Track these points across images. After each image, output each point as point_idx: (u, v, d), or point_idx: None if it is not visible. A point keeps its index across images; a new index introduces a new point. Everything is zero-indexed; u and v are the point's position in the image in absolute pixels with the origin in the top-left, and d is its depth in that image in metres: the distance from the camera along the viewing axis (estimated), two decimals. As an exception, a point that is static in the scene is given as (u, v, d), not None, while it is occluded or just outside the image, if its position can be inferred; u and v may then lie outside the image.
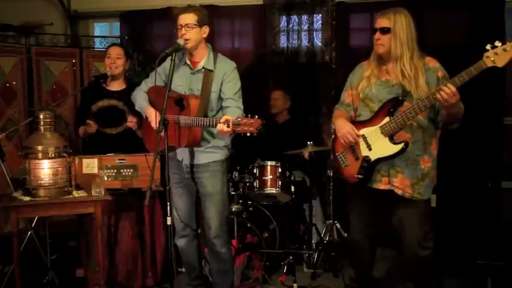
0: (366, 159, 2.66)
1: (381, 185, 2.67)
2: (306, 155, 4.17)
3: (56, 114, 3.20)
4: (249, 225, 3.80)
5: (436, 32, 4.38)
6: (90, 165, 3.27)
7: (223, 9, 4.87)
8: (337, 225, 4.07)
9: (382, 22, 2.59)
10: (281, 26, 4.85)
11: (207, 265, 3.42)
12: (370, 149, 2.65)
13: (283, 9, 4.81)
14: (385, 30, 2.57)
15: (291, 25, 4.82)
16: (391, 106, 2.59)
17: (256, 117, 2.42)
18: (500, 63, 2.25)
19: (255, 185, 3.91)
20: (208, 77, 2.83)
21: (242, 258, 3.68)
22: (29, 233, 3.53)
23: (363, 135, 2.67)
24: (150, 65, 4.16)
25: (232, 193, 3.84)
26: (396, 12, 2.58)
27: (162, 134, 2.54)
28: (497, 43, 2.25)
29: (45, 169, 2.86)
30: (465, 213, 4.31)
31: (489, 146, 4.35)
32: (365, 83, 2.72)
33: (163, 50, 2.68)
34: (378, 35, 2.60)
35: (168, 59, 2.75)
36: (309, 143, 3.96)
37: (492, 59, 2.25)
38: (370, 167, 2.65)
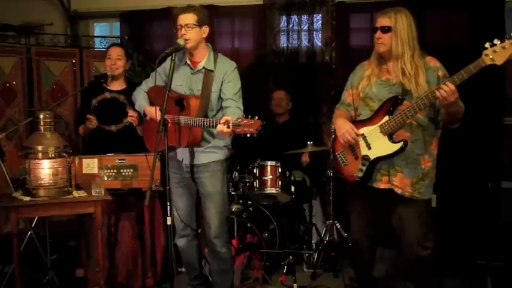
0: (366, 158, 2.66)
1: (381, 184, 2.67)
2: (304, 159, 4.17)
3: (56, 114, 3.20)
4: (249, 225, 3.80)
5: (436, 32, 4.38)
6: (90, 165, 3.27)
7: (223, 9, 4.87)
8: (337, 225, 4.07)
9: (382, 21, 2.59)
10: (281, 26, 4.85)
11: (207, 265, 3.42)
12: (369, 148, 2.66)
13: (283, 9, 4.81)
14: (386, 29, 2.57)
15: (291, 25, 4.82)
16: (390, 105, 2.59)
17: (256, 118, 2.43)
18: (499, 61, 2.25)
19: (255, 185, 3.91)
20: (209, 77, 2.83)
21: (242, 258, 3.68)
22: (29, 233, 3.53)
23: (363, 134, 2.67)
24: (150, 65, 4.16)
25: (232, 193, 3.84)
26: (397, 11, 2.59)
27: (162, 134, 2.54)
28: (496, 41, 2.24)
29: (45, 169, 2.86)
30: (465, 213, 4.31)
31: (489, 146, 4.35)
32: (365, 83, 2.73)
33: (163, 50, 2.68)
34: (378, 33, 2.60)
35: (169, 59, 2.75)
36: (309, 143, 3.96)
37: (491, 57, 2.25)
38: (369, 166, 2.65)
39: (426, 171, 2.63)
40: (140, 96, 3.03)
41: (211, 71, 2.84)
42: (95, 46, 5.31)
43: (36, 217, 3.61)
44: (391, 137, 2.59)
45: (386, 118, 2.59)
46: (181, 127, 2.76)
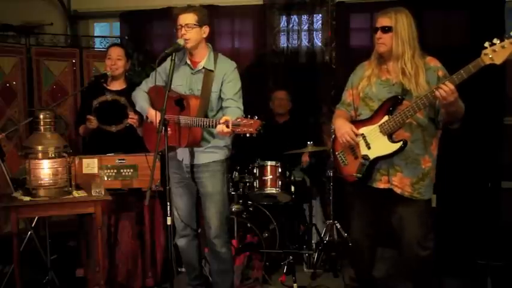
0: (365, 158, 2.66)
1: (380, 184, 2.67)
2: (304, 159, 4.17)
3: (56, 114, 3.20)
4: (249, 225, 3.80)
5: (436, 32, 4.38)
6: (90, 165, 3.27)
7: (223, 9, 4.87)
8: (337, 225, 4.07)
9: (383, 21, 2.59)
10: (281, 26, 4.85)
11: (207, 265, 3.42)
12: (369, 148, 2.66)
13: (283, 9, 4.81)
14: (386, 29, 2.57)
15: (291, 25, 4.82)
16: (390, 105, 2.59)
17: (256, 117, 2.42)
18: (498, 61, 2.24)
19: (255, 185, 3.91)
20: (209, 77, 2.83)
21: (242, 258, 3.68)
22: (29, 233, 3.53)
23: (362, 134, 2.67)
24: (150, 65, 4.16)
25: (232, 193, 3.84)
26: (397, 11, 2.59)
27: (162, 134, 2.54)
28: (496, 40, 2.24)
29: (45, 169, 2.86)
30: (465, 213, 4.31)
31: (489, 146, 4.35)
32: (365, 83, 2.73)
33: (163, 50, 2.68)
34: (379, 33, 2.60)
35: (169, 59, 2.75)
36: (309, 143, 3.96)
37: (490, 56, 2.24)
38: (369, 166, 2.65)
39: (426, 171, 2.63)
40: (141, 97, 3.03)
41: (211, 71, 2.84)
42: (95, 46, 5.31)
43: (36, 217, 3.61)
44: (390, 137, 2.59)
45: (386, 118, 2.59)
46: (181, 127, 2.76)
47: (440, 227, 3.83)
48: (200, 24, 2.78)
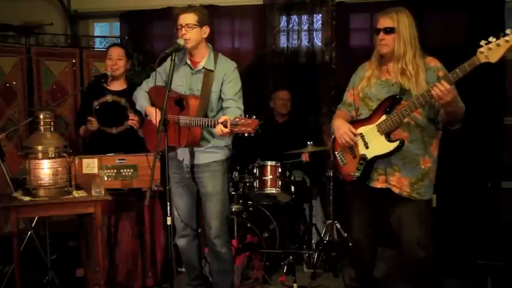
0: (363, 157, 2.67)
1: (378, 183, 2.67)
2: (304, 158, 4.17)
3: (56, 114, 3.20)
4: (249, 225, 3.80)
5: (436, 32, 4.38)
6: (90, 165, 3.27)
7: (223, 9, 4.87)
8: (337, 225, 4.07)
9: (385, 22, 2.58)
10: (281, 26, 4.85)
11: (207, 265, 3.43)
12: (367, 147, 2.66)
13: (283, 9, 4.81)
14: (389, 30, 2.57)
15: (291, 25, 4.82)
16: (388, 104, 2.59)
17: (254, 117, 2.43)
18: (493, 59, 2.23)
19: (255, 185, 3.91)
20: (209, 77, 2.83)
21: (242, 258, 3.68)
22: (29, 233, 3.53)
23: (361, 133, 2.68)
24: (150, 65, 4.16)
25: (232, 193, 3.84)
26: (398, 11, 2.58)
27: (162, 134, 2.54)
28: (491, 38, 2.22)
29: (45, 169, 2.86)
30: (465, 213, 4.31)
31: (489, 146, 4.35)
32: (365, 83, 2.74)
33: (163, 50, 2.68)
34: (381, 35, 2.59)
35: (169, 59, 2.75)
36: (309, 143, 3.96)
37: (486, 54, 2.23)
38: (367, 165, 2.66)
39: (426, 171, 2.63)
40: (141, 96, 3.03)
41: (212, 71, 2.84)
42: (95, 46, 5.30)
43: (36, 217, 3.61)
44: (388, 137, 2.59)
45: (383, 117, 2.60)
46: (181, 127, 2.76)
47: (440, 227, 3.82)
48: (200, 24, 2.78)
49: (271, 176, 3.88)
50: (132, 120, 3.38)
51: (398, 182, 2.62)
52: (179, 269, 3.69)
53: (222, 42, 4.96)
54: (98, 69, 4.77)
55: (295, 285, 3.41)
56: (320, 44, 4.78)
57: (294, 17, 4.81)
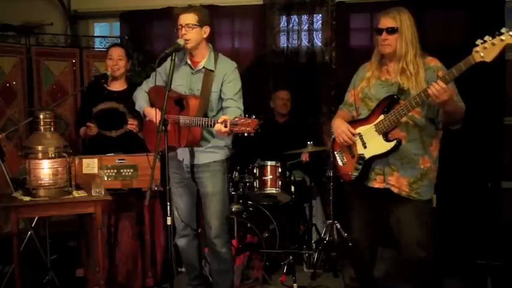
0: (361, 157, 2.67)
1: (375, 183, 2.67)
2: (304, 158, 4.16)
3: (56, 114, 3.20)
4: (249, 225, 3.80)
5: (436, 32, 4.38)
6: (90, 165, 3.27)
7: (223, 9, 4.87)
8: (337, 225, 4.07)
9: (388, 22, 2.58)
10: (281, 26, 4.85)
11: (207, 265, 3.42)
12: (365, 147, 2.67)
13: (283, 9, 4.81)
14: (391, 30, 2.57)
15: (291, 25, 4.82)
16: (386, 104, 2.60)
17: (254, 117, 2.42)
18: (488, 58, 2.23)
19: (255, 185, 3.92)
20: (209, 77, 2.83)
21: (242, 258, 3.68)
22: (29, 233, 3.53)
23: (359, 133, 2.69)
24: (150, 65, 4.16)
25: (232, 193, 3.84)
26: (400, 11, 2.59)
27: (162, 133, 2.54)
28: (487, 38, 2.23)
29: (45, 169, 2.86)
30: (465, 213, 4.31)
31: (489, 146, 4.35)
32: (365, 84, 2.74)
33: (163, 50, 2.68)
34: (384, 35, 2.59)
35: (169, 59, 2.74)
36: (309, 143, 3.96)
37: (481, 53, 2.24)
38: (365, 164, 2.66)
39: (425, 171, 2.62)
40: (140, 97, 3.03)
41: (212, 71, 2.84)
42: (95, 46, 5.30)
43: (36, 217, 3.61)
44: (386, 136, 2.60)
45: (381, 117, 2.60)
46: (181, 127, 2.76)
47: (440, 227, 3.82)
48: (201, 24, 2.78)
49: (271, 176, 3.88)
50: (131, 125, 3.38)
51: (397, 181, 2.62)
52: (179, 269, 3.68)
53: (222, 42, 4.96)
54: (98, 69, 4.77)
55: (295, 285, 3.41)
56: (320, 44, 4.77)
57: (294, 17, 4.81)
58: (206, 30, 2.83)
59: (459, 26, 4.39)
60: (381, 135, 2.60)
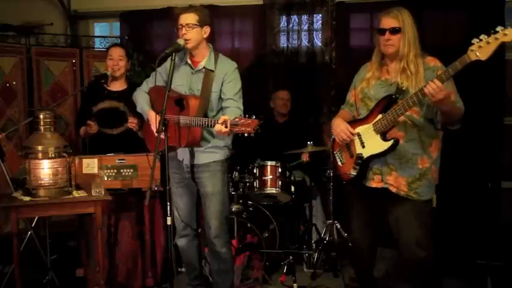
0: (360, 156, 2.68)
1: (373, 183, 2.67)
2: (305, 158, 4.17)
3: (56, 114, 3.20)
4: (249, 225, 3.80)
5: (436, 32, 4.38)
6: (90, 165, 3.27)
7: (223, 9, 4.87)
8: (337, 225, 4.07)
9: (391, 22, 2.58)
10: (281, 26, 4.85)
11: (207, 265, 3.42)
12: (363, 147, 2.67)
13: (283, 9, 4.81)
14: (395, 31, 2.57)
15: (291, 25, 4.82)
16: (384, 104, 2.60)
17: (254, 117, 2.43)
18: (483, 57, 2.23)
19: (255, 185, 3.92)
20: (209, 77, 2.83)
21: (242, 258, 3.68)
22: (29, 233, 3.53)
23: (358, 133, 2.69)
24: (150, 65, 4.16)
25: (232, 193, 3.84)
26: (401, 11, 2.59)
27: (162, 134, 2.55)
28: (482, 36, 2.24)
29: (45, 169, 2.86)
30: (465, 213, 4.31)
31: (489, 146, 4.35)
32: (364, 84, 2.75)
33: (163, 50, 2.68)
34: (387, 35, 2.58)
35: (169, 59, 2.74)
36: (309, 143, 3.96)
37: (476, 52, 2.24)
38: (363, 164, 2.66)
39: (423, 171, 2.62)
40: (141, 98, 3.03)
41: (212, 71, 2.84)
42: (95, 46, 5.31)
43: (36, 217, 3.61)
44: (384, 136, 2.60)
45: (379, 116, 2.61)
46: (181, 127, 2.76)
47: (440, 227, 3.82)
48: (201, 24, 2.78)
49: (271, 176, 3.88)
50: (132, 123, 3.38)
51: (395, 181, 2.62)
52: (179, 269, 3.68)
53: (222, 42, 4.96)
54: (98, 69, 4.77)
55: (295, 285, 3.41)
56: (320, 44, 4.78)
57: (294, 17, 4.81)
58: (206, 30, 2.83)
59: (459, 26, 4.39)
60: (379, 135, 2.61)
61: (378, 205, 2.75)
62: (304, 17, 4.79)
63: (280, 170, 3.89)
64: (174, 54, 2.66)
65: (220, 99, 2.85)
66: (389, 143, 2.57)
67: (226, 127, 2.43)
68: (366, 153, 2.66)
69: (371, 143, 2.64)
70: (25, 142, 3.06)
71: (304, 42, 4.81)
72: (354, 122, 2.74)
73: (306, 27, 4.80)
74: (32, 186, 2.86)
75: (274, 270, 3.81)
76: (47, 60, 4.76)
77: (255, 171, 3.93)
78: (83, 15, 5.36)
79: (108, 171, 3.29)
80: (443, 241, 3.76)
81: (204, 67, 2.85)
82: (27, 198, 2.84)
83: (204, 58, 2.87)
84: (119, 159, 3.32)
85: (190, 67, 2.89)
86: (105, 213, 3.23)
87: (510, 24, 2.20)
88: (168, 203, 2.61)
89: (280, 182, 3.87)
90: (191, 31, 2.76)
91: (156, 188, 3.28)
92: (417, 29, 2.62)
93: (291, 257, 3.58)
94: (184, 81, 2.89)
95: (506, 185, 4.44)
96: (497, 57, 4.20)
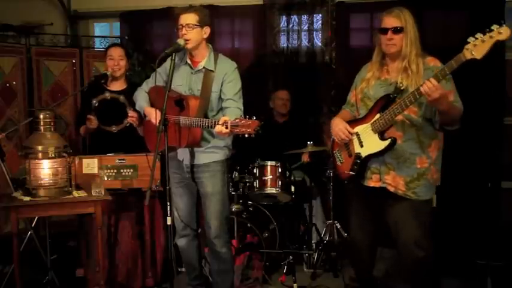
0: (358, 155, 2.68)
1: (371, 182, 2.68)
2: (305, 158, 4.16)
3: (56, 114, 3.20)
4: (249, 225, 3.80)
5: (436, 32, 4.38)
6: (90, 165, 3.27)
7: (223, 9, 4.87)
8: (337, 225, 4.07)
9: (393, 22, 2.59)
10: (281, 26, 4.85)
11: (207, 265, 3.42)
12: (361, 146, 2.68)
13: (283, 9, 4.81)
14: (397, 30, 2.57)
15: (291, 25, 4.82)
16: (383, 103, 2.61)
17: (254, 118, 2.43)
18: (478, 55, 2.24)
19: (255, 185, 3.92)
20: (209, 77, 2.83)
21: (242, 258, 3.68)
22: (29, 233, 3.53)
23: (357, 132, 2.70)
24: (150, 65, 4.16)
25: (232, 193, 3.84)
26: (403, 10, 2.60)
27: (163, 133, 2.54)
28: (478, 35, 2.24)
29: (45, 169, 2.86)
30: (465, 213, 4.31)
31: (489, 146, 4.35)
32: (364, 84, 2.76)
33: (163, 50, 2.68)
34: (390, 34, 2.59)
35: (169, 59, 2.74)
36: (309, 143, 3.96)
37: (472, 51, 2.25)
38: (361, 163, 2.67)
39: (422, 171, 2.62)
40: (141, 97, 3.03)
41: (212, 71, 2.84)
42: (95, 46, 5.30)
43: (36, 217, 3.61)
44: (382, 135, 2.60)
45: (377, 116, 2.61)
46: (181, 127, 2.76)
47: (440, 227, 3.82)
48: (201, 24, 2.78)
49: (271, 176, 3.88)
50: (132, 118, 3.37)
51: (393, 180, 2.63)
52: (179, 269, 3.69)
53: (222, 42, 4.96)
54: (98, 69, 4.77)
55: (295, 285, 3.41)
56: (320, 44, 4.78)
57: (294, 17, 4.81)
58: (206, 30, 2.83)
59: (459, 26, 4.39)
60: (377, 134, 2.61)
61: (377, 204, 2.75)
62: (304, 17, 4.79)
63: (280, 170, 3.89)
64: (174, 54, 2.66)
65: (220, 99, 2.85)
66: (387, 142, 2.57)
67: (226, 128, 2.43)
68: (364, 152, 2.66)
69: (369, 142, 2.65)
70: (25, 142, 3.06)
71: (304, 42, 4.81)
72: (353, 122, 2.75)
73: (306, 27, 4.80)
74: (32, 186, 2.86)
75: (274, 270, 3.81)
76: (47, 60, 4.76)
77: (255, 171, 3.93)
78: (83, 15, 5.36)
79: (108, 171, 3.30)
80: (443, 241, 3.76)
81: (204, 67, 2.85)
82: (27, 198, 2.84)
83: (204, 58, 2.87)
84: (119, 159, 3.32)
85: (190, 67, 2.89)
86: (105, 213, 3.23)
87: (510, 25, 2.20)
88: (168, 203, 2.61)
89: (280, 182, 3.87)
90: (191, 31, 2.76)
91: (156, 188, 3.28)
92: (418, 29, 2.62)
93: (291, 257, 3.58)
94: (184, 81, 2.88)
95: (506, 185, 4.44)
96: (497, 57, 4.22)
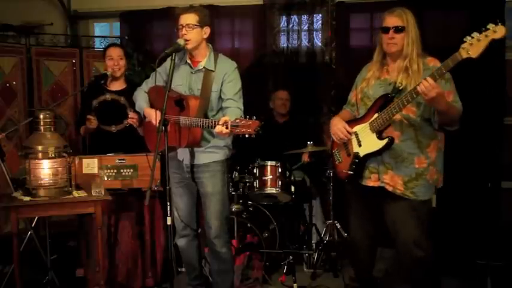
0: (356, 155, 2.69)
1: (370, 181, 2.68)
2: (305, 158, 4.16)
3: (56, 114, 3.20)
4: (249, 225, 3.80)
5: (436, 32, 4.38)
6: (90, 165, 3.27)
7: (223, 9, 4.87)
8: (337, 225, 4.07)
9: (394, 21, 2.59)
10: (281, 26, 4.85)
11: (207, 265, 3.42)
12: (360, 145, 2.69)
13: (283, 9, 4.81)
14: (398, 29, 2.57)
15: (291, 25, 4.82)
16: (381, 103, 2.61)
17: (254, 118, 2.43)
18: (474, 54, 2.25)
19: (255, 185, 3.92)
20: (209, 77, 2.83)
21: (242, 258, 3.68)
22: (29, 233, 3.53)
23: (355, 132, 2.71)
24: (150, 65, 4.16)
25: (232, 193, 3.84)
26: (405, 10, 2.61)
27: (162, 134, 2.54)
28: (474, 34, 2.25)
29: (45, 169, 2.86)
30: (465, 213, 4.31)
31: (489, 146, 4.35)
32: (364, 84, 2.76)
33: (163, 50, 2.68)
34: (391, 34, 2.59)
35: (169, 59, 2.74)
36: (309, 143, 3.96)
37: (467, 50, 2.25)
38: (360, 163, 2.68)
39: (420, 171, 2.62)
40: (140, 97, 3.03)
41: (212, 71, 2.84)
42: (95, 46, 5.30)
43: (36, 217, 3.61)
44: (380, 134, 2.61)
45: (375, 115, 2.62)
46: (181, 127, 2.76)
47: (440, 226, 3.82)
48: (201, 24, 2.78)
49: (271, 176, 3.88)
50: (132, 119, 3.37)
51: (391, 180, 2.63)
52: (179, 269, 3.69)
53: (222, 42, 4.96)
54: (98, 69, 4.77)
55: (295, 285, 3.41)
56: (320, 44, 4.78)
57: (294, 17, 4.81)
58: (206, 30, 2.83)
59: (459, 26, 4.38)
60: (375, 134, 2.62)
61: (375, 204, 2.75)
62: (304, 17, 4.79)
63: (280, 170, 3.89)
64: (174, 54, 2.66)
65: (220, 99, 2.85)
66: (384, 141, 2.58)
67: (226, 128, 2.43)
68: (362, 151, 2.67)
69: (367, 141, 2.65)
70: (25, 142, 3.07)
71: (304, 42, 4.81)
72: (352, 122, 2.76)
73: (306, 27, 4.80)
74: (32, 186, 2.86)
75: (274, 270, 3.81)
76: (47, 60, 4.76)
77: (255, 171, 3.93)
78: (83, 15, 5.36)
79: (108, 171, 3.30)
80: (443, 241, 3.76)
81: (204, 67, 2.85)
82: (27, 198, 2.84)
83: (204, 58, 2.87)
84: (119, 159, 3.32)
85: (190, 67, 2.89)
86: (105, 213, 3.23)
87: (510, 25, 2.20)
88: (168, 203, 2.61)
89: (280, 182, 3.87)
90: (191, 31, 2.76)
91: (156, 188, 3.28)
92: (418, 29, 2.63)
93: (291, 257, 3.58)
94: (184, 81, 2.88)
95: (506, 185, 4.44)
96: (497, 57, 4.22)
